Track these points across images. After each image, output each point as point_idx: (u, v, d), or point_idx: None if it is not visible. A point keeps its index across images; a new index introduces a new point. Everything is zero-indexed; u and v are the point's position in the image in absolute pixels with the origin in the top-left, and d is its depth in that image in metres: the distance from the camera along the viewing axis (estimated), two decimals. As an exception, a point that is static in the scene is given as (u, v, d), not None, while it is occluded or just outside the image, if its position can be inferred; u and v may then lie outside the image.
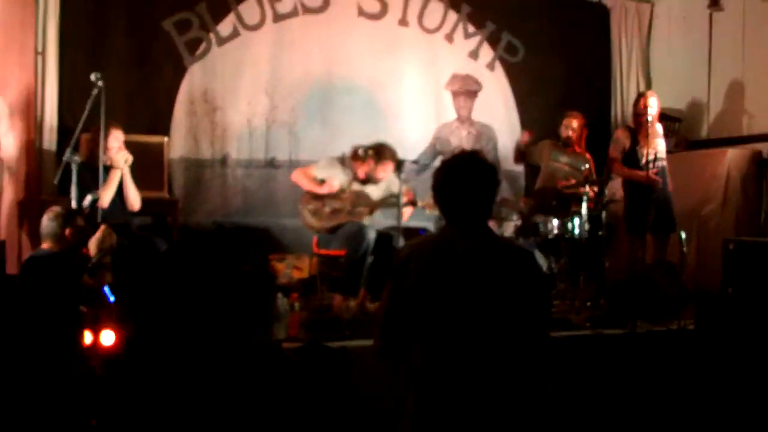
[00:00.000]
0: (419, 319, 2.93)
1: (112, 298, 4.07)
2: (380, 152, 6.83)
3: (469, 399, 2.83)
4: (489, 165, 3.12)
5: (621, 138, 7.22)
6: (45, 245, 5.04)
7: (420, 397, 2.89)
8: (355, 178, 6.90)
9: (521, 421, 2.86)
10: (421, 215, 7.35)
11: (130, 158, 6.28)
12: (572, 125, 7.61)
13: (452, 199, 3.06)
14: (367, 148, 6.84)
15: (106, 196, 6.10)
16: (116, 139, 6.26)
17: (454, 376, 2.86)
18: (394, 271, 3.06)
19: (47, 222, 5.01)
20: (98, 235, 5.06)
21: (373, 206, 6.89)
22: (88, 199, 5.86)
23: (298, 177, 6.93)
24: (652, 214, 6.87)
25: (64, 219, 5.00)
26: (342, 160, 7.01)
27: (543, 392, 2.97)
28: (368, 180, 6.89)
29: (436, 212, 7.00)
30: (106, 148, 6.10)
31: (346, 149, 7.09)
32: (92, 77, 5.88)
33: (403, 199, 6.59)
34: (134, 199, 6.43)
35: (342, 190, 6.81)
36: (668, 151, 7.35)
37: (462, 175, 3.05)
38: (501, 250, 3.04)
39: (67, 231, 4.93)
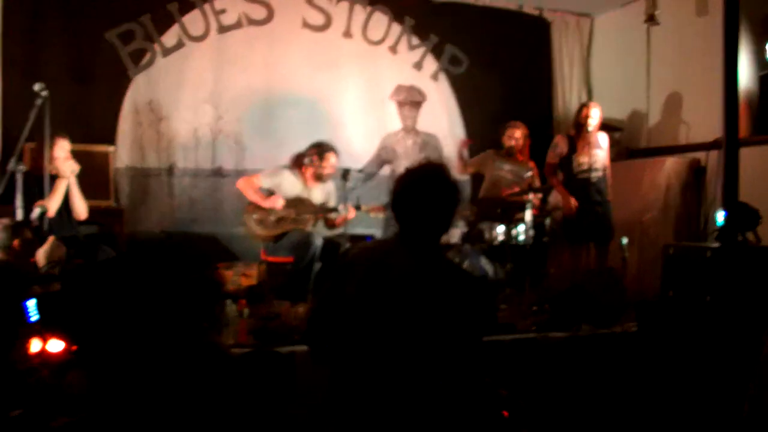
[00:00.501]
0: (345, 328, 2.86)
1: (34, 317, 4.04)
2: (320, 149, 6.94)
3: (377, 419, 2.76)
4: (453, 183, 3.03)
5: (560, 144, 7.39)
6: (-6, 255, 4.99)
7: (331, 409, 2.85)
8: (306, 184, 6.98)
9: None
10: (367, 221, 7.41)
11: (76, 168, 6.25)
12: (515, 135, 7.73)
13: (409, 212, 2.97)
14: (308, 152, 6.94)
15: (53, 206, 6.07)
16: (62, 149, 6.22)
17: (362, 394, 2.80)
18: (335, 272, 3.00)
19: None
20: (46, 246, 5.02)
21: (316, 213, 6.95)
22: (36, 211, 5.81)
23: (242, 186, 6.97)
24: (586, 224, 7.03)
25: (12, 231, 4.96)
26: (288, 168, 7.07)
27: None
28: (318, 178, 6.98)
29: (380, 216, 7.09)
30: (52, 158, 6.06)
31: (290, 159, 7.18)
32: (36, 87, 5.83)
33: (342, 213, 6.74)
34: (81, 208, 6.39)
35: (286, 200, 6.88)
36: (611, 160, 7.51)
37: (425, 189, 2.97)
38: (444, 274, 2.93)
39: (16, 242, 4.89)
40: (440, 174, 3.03)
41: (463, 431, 2.87)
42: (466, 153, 8.39)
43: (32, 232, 5.31)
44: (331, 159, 7.03)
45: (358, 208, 6.98)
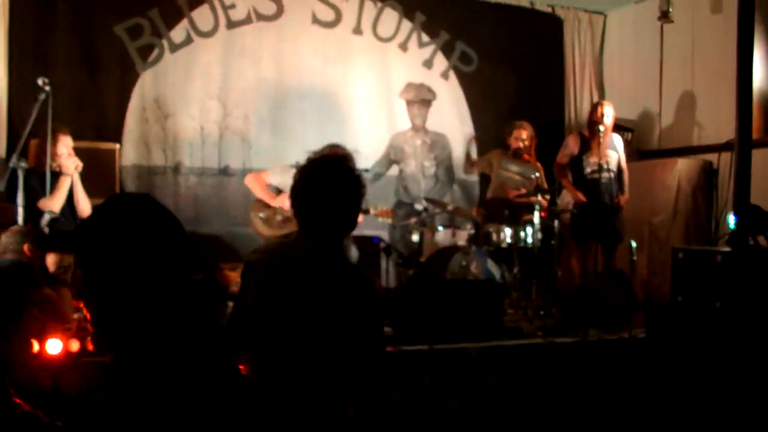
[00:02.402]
0: (252, 330, 2.81)
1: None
2: (334, 149, 6.83)
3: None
4: (354, 175, 2.89)
5: (570, 144, 7.31)
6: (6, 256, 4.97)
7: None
8: None
9: None
10: (375, 222, 7.34)
11: (80, 165, 6.19)
12: (522, 136, 7.64)
13: (308, 206, 2.85)
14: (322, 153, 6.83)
15: (57, 203, 6.01)
16: (65, 145, 6.17)
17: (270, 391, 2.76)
18: (242, 274, 2.92)
19: (5, 239, 4.95)
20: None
21: None
22: (47, 217, 5.76)
23: (251, 182, 6.89)
24: (593, 225, 6.95)
25: (23, 235, 4.94)
26: (296, 167, 6.98)
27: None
28: None
29: (389, 221, 7.01)
30: (54, 154, 6.01)
31: (298, 157, 7.03)
32: (39, 82, 5.79)
33: None
34: (85, 206, 6.33)
35: None
36: (623, 161, 7.44)
37: (324, 181, 2.84)
38: (337, 274, 2.82)
39: (26, 247, 4.86)
40: (341, 166, 2.92)
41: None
42: (474, 150, 8.31)
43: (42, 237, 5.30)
44: None
45: (366, 211, 6.90)
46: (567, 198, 7.51)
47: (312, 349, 2.73)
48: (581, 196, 7.08)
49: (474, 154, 8.62)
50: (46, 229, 5.70)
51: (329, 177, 2.86)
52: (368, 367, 2.77)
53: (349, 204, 2.86)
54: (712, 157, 7.70)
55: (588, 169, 7.13)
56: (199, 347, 2.00)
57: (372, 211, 6.86)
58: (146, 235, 1.93)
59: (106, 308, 1.95)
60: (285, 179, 6.84)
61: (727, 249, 5.74)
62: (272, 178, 6.87)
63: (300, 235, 2.88)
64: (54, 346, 4.24)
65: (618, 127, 7.96)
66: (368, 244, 6.96)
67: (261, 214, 6.79)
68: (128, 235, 1.92)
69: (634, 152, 8.53)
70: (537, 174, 7.27)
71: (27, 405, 2.73)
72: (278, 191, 6.83)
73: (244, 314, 2.87)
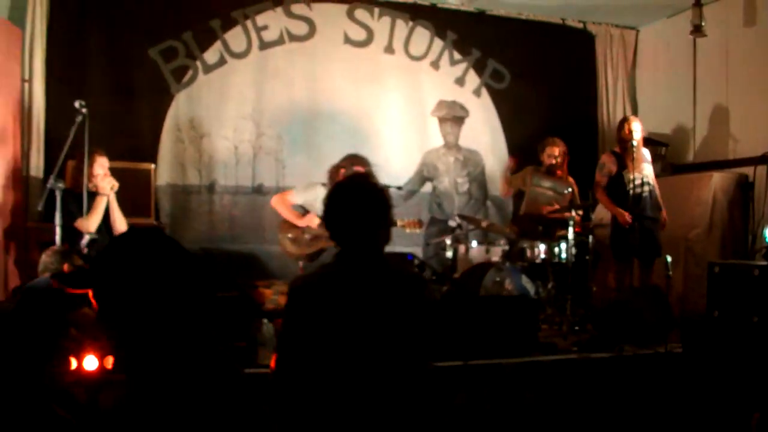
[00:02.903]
0: (311, 355, 2.82)
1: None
2: (353, 160, 6.84)
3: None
4: (377, 188, 3.06)
5: (607, 163, 7.20)
6: (46, 275, 5.03)
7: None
8: None
9: None
10: (406, 238, 7.35)
11: (116, 185, 6.25)
12: (554, 152, 7.55)
13: (341, 225, 3.00)
14: (341, 164, 6.81)
15: (93, 223, 6.07)
16: (101, 166, 6.24)
17: (341, 410, 2.78)
18: (287, 310, 2.96)
19: (45, 258, 5.01)
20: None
21: None
22: (86, 238, 5.84)
23: (277, 203, 6.94)
24: (636, 240, 6.88)
25: (62, 256, 5.01)
26: (321, 183, 7.00)
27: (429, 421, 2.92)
28: None
29: (417, 231, 7.02)
30: (91, 175, 6.09)
31: (330, 176, 7.13)
32: (76, 104, 5.90)
33: None
34: (121, 225, 6.38)
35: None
36: (656, 176, 7.36)
37: (349, 199, 3.00)
38: (390, 279, 2.97)
39: (65, 266, 4.93)
40: (363, 183, 3.14)
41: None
42: (510, 173, 8.29)
43: (81, 258, 5.36)
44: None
45: (393, 224, 6.89)
46: (602, 213, 7.46)
47: (380, 356, 2.83)
48: (628, 217, 6.98)
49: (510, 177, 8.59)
50: (86, 249, 5.77)
51: (355, 195, 3.01)
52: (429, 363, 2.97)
53: (377, 217, 2.99)
54: (747, 170, 7.64)
55: (629, 186, 7.03)
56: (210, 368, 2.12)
57: (399, 223, 6.87)
58: (154, 267, 2.03)
59: (121, 336, 2.06)
60: (309, 197, 6.87)
61: (763, 263, 5.70)
62: (296, 198, 6.92)
63: (339, 257, 3.00)
64: (90, 363, 4.30)
65: (652, 142, 7.92)
66: (401, 260, 6.96)
67: (289, 235, 6.83)
68: (136, 268, 2.01)
69: (669, 167, 8.47)
70: (569, 189, 7.23)
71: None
72: (304, 210, 6.86)
73: (295, 339, 2.88)
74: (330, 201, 3.04)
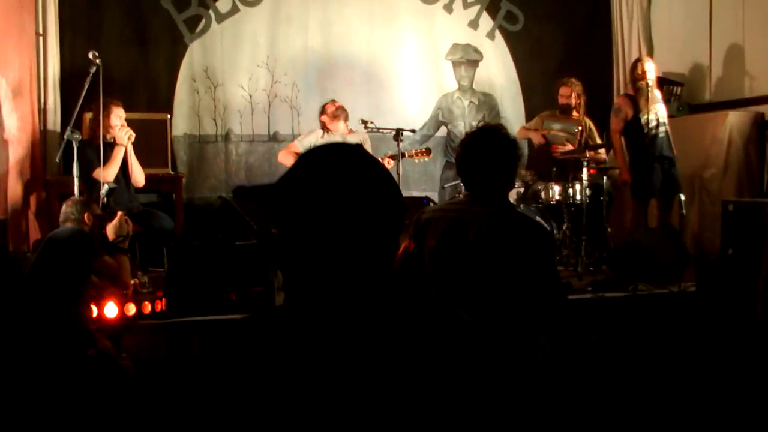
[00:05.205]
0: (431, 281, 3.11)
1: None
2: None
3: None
4: (510, 139, 3.27)
5: (623, 107, 7.13)
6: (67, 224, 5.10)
7: None
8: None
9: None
10: (422, 183, 7.37)
11: (133, 135, 6.26)
12: (566, 93, 7.52)
13: (473, 172, 3.23)
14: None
15: (111, 173, 6.11)
16: (118, 117, 6.27)
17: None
18: (413, 232, 3.27)
19: (66, 209, 5.06)
20: (115, 222, 5.15)
21: None
22: (105, 187, 5.89)
23: (284, 158, 7.06)
24: (658, 178, 6.88)
25: (82, 206, 5.07)
26: (319, 127, 7.11)
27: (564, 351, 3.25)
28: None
29: (425, 159, 7.10)
30: (107, 126, 6.13)
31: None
32: (90, 55, 5.92)
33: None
34: (139, 175, 6.45)
35: None
36: (670, 116, 7.32)
37: (482, 148, 3.22)
38: (516, 223, 3.19)
39: (86, 216, 5.00)
40: (498, 132, 3.29)
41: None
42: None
43: (100, 208, 5.45)
44: (337, 124, 7.10)
45: (402, 155, 6.95)
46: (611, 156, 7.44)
47: (499, 290, 3.09)
48: (627, 176, 6.99)
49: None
50: (105, 199, 5.84)
51: (490, 142, 3.24)
52: (551, 303, 3.22)
53: (509, 163, 3.25)
54: (764, 108, 7.58)
55: (646, 127, 6.99)
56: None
57: (407, 154, 6.96)
58: (356, 188, 1.59)
59: (302, 271, 1.60)
60: (312, 141, 6.93)
61: (777, 200, 5.70)
62: (300, 146, 7.00)
63: (467, 198, 3.33)
64: (111, 310, 4.41)
65: (668, 82, 7.87)
66: (418, 204, 7.01)
67: None
68: (336, 187, 1.58)
69: (684, 106, 8.41)
70: (578, 128, 7.20)
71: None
72: None
73: (417, 267, 3.19)
74: (464, 149, 3.27)
